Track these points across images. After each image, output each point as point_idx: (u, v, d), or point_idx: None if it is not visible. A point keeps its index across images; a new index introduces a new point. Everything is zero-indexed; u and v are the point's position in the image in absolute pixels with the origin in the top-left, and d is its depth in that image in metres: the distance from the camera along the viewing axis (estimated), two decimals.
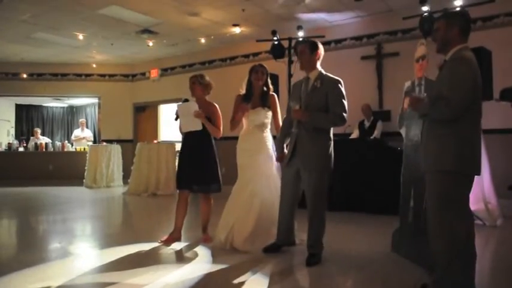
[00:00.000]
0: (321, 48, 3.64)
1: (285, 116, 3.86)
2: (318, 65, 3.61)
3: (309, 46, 3.61)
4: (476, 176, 5.49)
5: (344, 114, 3.42)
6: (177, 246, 4.15)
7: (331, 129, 3.57)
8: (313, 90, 3.51)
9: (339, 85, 3.49)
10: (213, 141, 4.32)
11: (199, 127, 4.15)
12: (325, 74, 3.57)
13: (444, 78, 2.62)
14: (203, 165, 4.21)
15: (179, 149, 4.60)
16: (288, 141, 3.74)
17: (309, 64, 3.58)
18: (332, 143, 3.54)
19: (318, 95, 3.48)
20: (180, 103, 4.30)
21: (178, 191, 4.40)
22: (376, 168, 5.85)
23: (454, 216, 2.55)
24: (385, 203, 5.35)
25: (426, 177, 2.69)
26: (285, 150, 3.76)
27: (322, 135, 3.50)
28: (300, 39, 7.58)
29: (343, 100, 3.46)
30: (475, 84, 2.56)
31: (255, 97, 4.10)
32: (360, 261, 3.55)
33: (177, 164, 4.40)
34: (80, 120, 12.71)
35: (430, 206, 2.64)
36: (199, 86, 4.29)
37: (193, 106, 4.18)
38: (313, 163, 3.46)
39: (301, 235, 3.89)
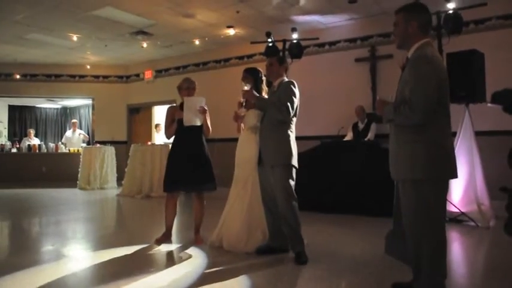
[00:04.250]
0: (288, 62, 3.99)
1: None
2: (284, 76, 3.86)
3: (278, 58, 3.95)
4: (468, 178, 5.52)
5: (288, 105, 3.55)
6: (170, 248, 4.15)
7: (293, 128, 3.71)
8: (272, 93, 3.82)
9: (290, 85, 3.70)
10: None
11: (199, 123, 4.24)
12: (285, 80, 3.81)
13: (406, 79, 2.48)
14: (204, 165, 4.27)
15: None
16: None
17: (276, 74, 3.84)
18: (290, 138, 3.66)
19: (274, 96, 3.74)
20: (191, 97, 4.30)
21: (168, 192, 4.36)
22: (369, 170, 5.86)
23: (434, 223, 2.49)
24: (379, 205, 5.36)
25: (399, 186, 2.63)
26: None
27: (280, 131, 3.65)
28: (295, 41, 7.61)
29: (292, 96, 3.63)
30: (439, 83, 2.40)
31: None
32: (354, 264, 3.56)
33: (167, 165, 4.36)
34: (72, 121, 12.65)
35: (409, 216, 2.56)
36: (194, 92, 4.41)
37: (201, 101, 4.23)
38: (274, 158, 3.63)
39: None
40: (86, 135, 12.11)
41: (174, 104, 4.55)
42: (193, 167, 4.20)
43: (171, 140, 4.46)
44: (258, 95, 3.74)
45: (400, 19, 2.59)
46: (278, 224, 3.77)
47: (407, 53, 2.62)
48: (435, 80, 2.39)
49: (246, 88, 3.77)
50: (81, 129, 13.06)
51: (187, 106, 4.17)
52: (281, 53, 3.61)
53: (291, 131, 3.70)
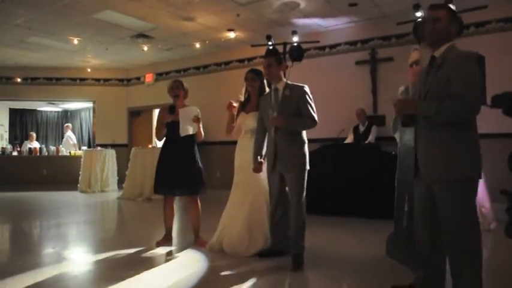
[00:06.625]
0: (286, 61, 3.81)
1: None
2: (283, 77, 3.78)
3: (276, 59, 3.76)
4: None
5: (315, 116, 3.62)
6: (171, 250, 4.15)
7: (304, 132, 3.72)
8: (284, 98, 3.67)
9: (307, 91, 3.68)
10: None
11: (194, 131, 4.25)
12: (292, 83, 3.74)
13: (450, 76, 2.36)
14: (193, 168, 4.25)
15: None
16: (263, 150, 3.85)
17: (275, 75, 3.72)
18: (306, 144, 3.70)
19: (289, 102, 3.64)
20: (184, 108, 4.31)
21: (155, 194, 4.46)
22: (370, 173, 5.87)
23: (477, 225, 2.39)
24: (380, 208, 5.37)
25: (436, 189, 2.42)
26: (261, 160, 3.83)
27: (297, 138, 3.66)
28: (295, 44, 7.62)
29: (312, 103, 3.66)
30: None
31: (252, 102, 4.13)
32: (354, 267, 3.56)
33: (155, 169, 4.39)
34: (65, 125, 12.84)
35: (458, 222, 2.35)
36: (183, 91, 4.40)
37: (194, 111, 4.24)
38: (291, 165, 3.60)
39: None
40: (71, 141, 12.09)
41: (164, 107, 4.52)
42: (174, 171, 4.21)
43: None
44: (285, 119, 3.57)
45: (443, 15, 2.48)
46: (284, 229, 3.77)
47: (432, 51, 2.53)
48: (480, 79, 2.37)
49: (274, 115, 3.60)
50: (82, 132, 13.07)
51: (182, 118, 4.19)
52: (281, 55, 3.63)
53: (305, 137, 3.71)
